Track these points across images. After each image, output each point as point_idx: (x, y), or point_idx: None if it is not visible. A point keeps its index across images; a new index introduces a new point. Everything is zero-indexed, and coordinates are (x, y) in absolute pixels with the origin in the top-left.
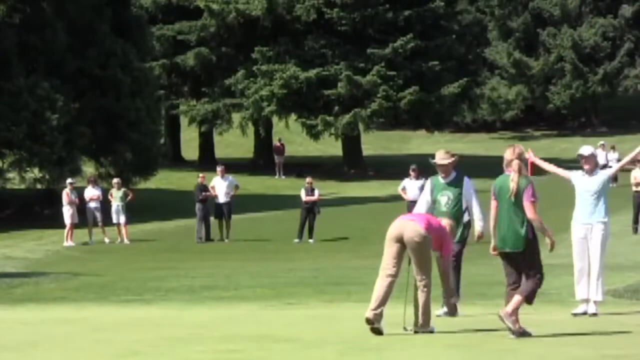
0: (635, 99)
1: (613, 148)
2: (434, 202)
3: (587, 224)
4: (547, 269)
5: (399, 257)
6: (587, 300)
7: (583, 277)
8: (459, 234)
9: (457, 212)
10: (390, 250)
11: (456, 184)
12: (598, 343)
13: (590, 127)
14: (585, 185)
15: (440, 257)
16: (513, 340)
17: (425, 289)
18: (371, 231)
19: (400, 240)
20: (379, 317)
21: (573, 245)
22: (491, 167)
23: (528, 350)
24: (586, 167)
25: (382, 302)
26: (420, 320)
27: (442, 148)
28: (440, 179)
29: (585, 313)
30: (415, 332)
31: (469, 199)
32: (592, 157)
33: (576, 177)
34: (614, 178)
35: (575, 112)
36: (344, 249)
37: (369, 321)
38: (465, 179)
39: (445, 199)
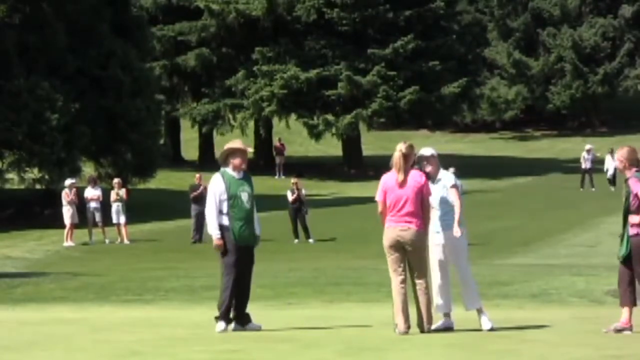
0: (635, 99)
1: (588, 151)
2: (233, 197)
3: (438, 233)
4: (547, 269)
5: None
6: (447, 315)
7: (440, 289)
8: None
9: (253, 210)
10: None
11: (248, 181)
12: (598, 343)
13: (590, 127)
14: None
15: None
16: (513, 341)
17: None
18: (371, 231)
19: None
20: (409, 324)
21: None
22: (491, 167)
23: (528, 351)
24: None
25: (407, 311)
26: (425, 319)
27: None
28: (231, 173)
29: (448, 329)
30: (423, 332)
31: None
32: (433, 159)
33: None
34: (613, 181)
35: (575, 112)
36: (344, 249)
37: (406, 333)
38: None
39: (246, 195)
